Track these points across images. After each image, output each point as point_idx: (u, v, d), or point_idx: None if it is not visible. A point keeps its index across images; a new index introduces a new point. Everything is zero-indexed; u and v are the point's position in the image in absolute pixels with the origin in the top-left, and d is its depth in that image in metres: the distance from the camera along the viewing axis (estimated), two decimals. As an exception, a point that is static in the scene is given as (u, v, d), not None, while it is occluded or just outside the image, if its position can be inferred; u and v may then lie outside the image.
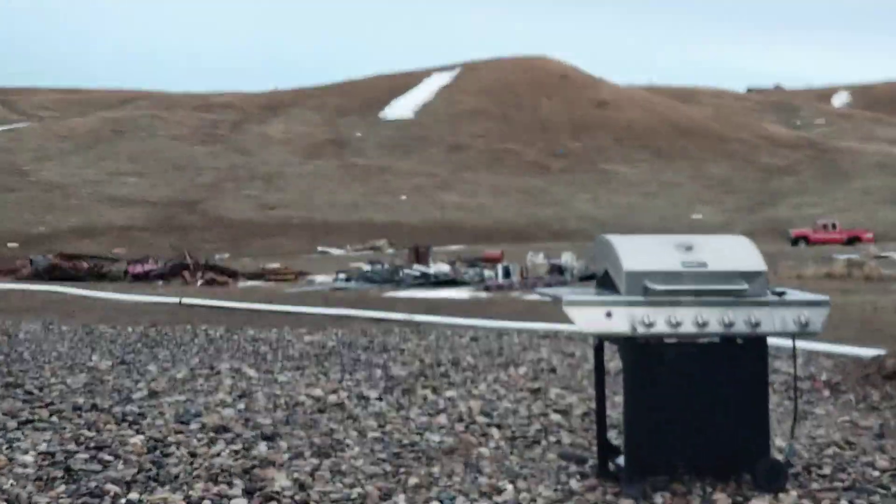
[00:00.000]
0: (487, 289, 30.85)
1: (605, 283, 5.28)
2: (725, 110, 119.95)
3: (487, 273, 37.33)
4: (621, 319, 4.99)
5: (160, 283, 31.14)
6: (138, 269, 34.20)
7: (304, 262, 49.08)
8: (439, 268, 39.43)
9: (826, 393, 7.77)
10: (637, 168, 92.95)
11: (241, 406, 7.17)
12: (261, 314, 15.23)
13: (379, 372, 8.75)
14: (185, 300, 17.23)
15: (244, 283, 37.56)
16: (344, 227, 73.94)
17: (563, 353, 9.93)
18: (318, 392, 7.72)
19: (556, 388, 7.99)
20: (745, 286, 5.03)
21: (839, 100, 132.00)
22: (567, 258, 40.05)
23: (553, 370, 9.00)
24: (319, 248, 65.68)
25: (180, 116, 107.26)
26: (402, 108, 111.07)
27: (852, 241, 57.29)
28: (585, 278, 35.19)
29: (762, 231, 63.86)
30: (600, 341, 5.49)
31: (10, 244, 67.36)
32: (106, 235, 70.09)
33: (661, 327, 4.98)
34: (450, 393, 7.80)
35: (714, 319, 4.99)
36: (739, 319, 5.01)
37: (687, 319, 4.98)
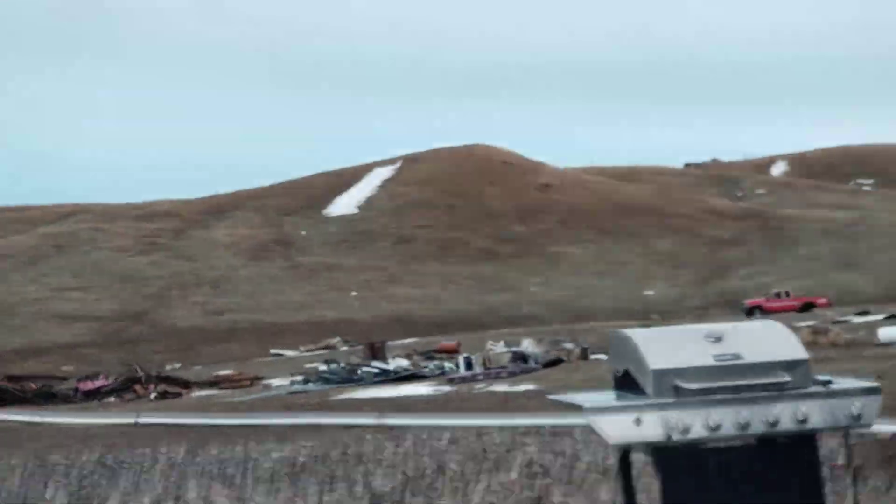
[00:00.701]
0: (451, 381, 30.17)
1: (624, 383, 4.67)
2: (666, 187, 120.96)
3: (447, 365, 36.70)
4: (653, 426, 4.36)
5: (112, 399, 30.17)
6: (89, 385, 33.28)
7: (257, 367, 48.07)
8: (398, 363, 38.70)
9: (848, 479, 7.20)
10: (585, 248, 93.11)
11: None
12: (221, 428, 14.43)
13: (359, 488, 8.05)
14: (142, 419, 16.38)
15: (199, 393, 36.57)
16: (295, 328, 73.08)
17: (553, 451, 9.28)
18: (297, 518, 7.02)
19: (557, 494, 7.34)
20: (787, 378, 4.45)
21: (777, 169, 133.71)
22: (527, 345, 39.56)
23: (546, 471, 8.34)
24: (272, 351, 64.63)
25: (121, 227, 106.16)
26: (345, 204, 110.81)
27: (807, 307, 57.51)
28: (549, 364, 34.72)
29: (716, 303, 63.84)
30: (625, 450, 4.85)
31: (-48, 368, 65.69)
32: (52, 354, 68.65)
33: (698, 431, 4.38)
34: (441, 507, 7.13)
35: (756, 418, 4.39)
36: (785, 416, 4.40)
37: (727, 420, 4.38)
